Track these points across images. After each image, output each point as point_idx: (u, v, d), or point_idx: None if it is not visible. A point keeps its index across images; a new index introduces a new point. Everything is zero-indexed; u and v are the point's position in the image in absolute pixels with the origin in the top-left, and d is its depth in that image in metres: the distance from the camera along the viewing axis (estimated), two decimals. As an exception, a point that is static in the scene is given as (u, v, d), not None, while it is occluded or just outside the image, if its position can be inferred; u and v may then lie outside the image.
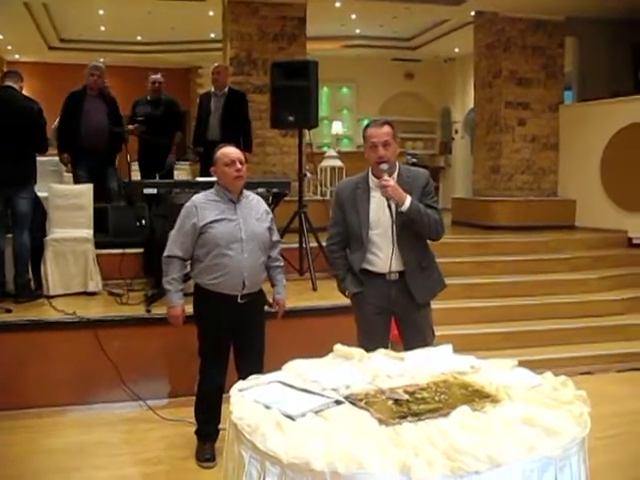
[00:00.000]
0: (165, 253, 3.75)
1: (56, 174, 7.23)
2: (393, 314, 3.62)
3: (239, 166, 3.70)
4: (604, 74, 9.41)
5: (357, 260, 3.55)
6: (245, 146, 6.97)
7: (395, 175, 3.45)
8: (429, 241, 3.63)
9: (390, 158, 3.41)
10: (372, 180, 3.51)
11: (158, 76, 7.52)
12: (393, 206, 3.35)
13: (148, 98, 7.48)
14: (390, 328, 3.67)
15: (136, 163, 7.94)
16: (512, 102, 9.11)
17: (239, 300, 3.71)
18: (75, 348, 4.75)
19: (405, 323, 3.62)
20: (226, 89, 7.28)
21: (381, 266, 3.48)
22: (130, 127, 7.24)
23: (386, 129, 3.43)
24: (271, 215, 3.94)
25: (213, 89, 7.28)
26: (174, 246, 3.73)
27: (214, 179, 3.84)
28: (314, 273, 5.95)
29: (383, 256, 3.46)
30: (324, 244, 4.20)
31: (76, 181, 6.79)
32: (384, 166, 3.38)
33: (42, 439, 4.18)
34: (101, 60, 9.94)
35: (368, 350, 2.95)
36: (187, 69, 14.55)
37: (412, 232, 3.45)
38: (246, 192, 3.86)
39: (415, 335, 3.51)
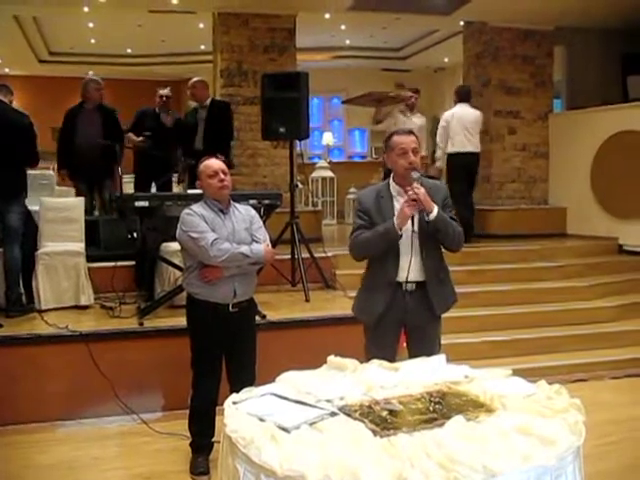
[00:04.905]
0: (211, 243, 3.59)
1: (47, 187, 7.22)
2: (405, 325, 3.57)
3: (222, 176, 3.73)
4: (593, 83, 9.47)
5: (392, 269, 3.44)
6: (224, 153, 7.05)
7: (416, 183, 3.39)
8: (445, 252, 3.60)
9: (418, 165, 3.42)
10: (394, 188, 3.49)
11: (166, 90, 7.58)
12: (417, 215, 3.34)
13: (156, 110, 7.54)
14: (400, 338, 3.65)
15: (130, 175, 7.97)
16: (502, 111, 9.15)
17: (230, 309, 3.73)
18: (67, 362, 4.72)
19: (417, 334, 3.56)
20: (208, 101, 7.42)
21: (399, 275, 3.44)
22: (136, 139, 7.30)
23: (412, 137, 3.45)
24: (260, 223, 3.94)
25: (197, 104, 7.43)
26: (210, 234, 3.63)
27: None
28: (307, 284, 5.94)
29: (402, 264, 3.42)
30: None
31: (78, 195, 6.86)
32: (415, 174, 3.35)
33: (34, 455, 4.14)
34: (91, 73, 9.95)
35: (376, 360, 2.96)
36: (177, 81, 14.55)
37: (433, 242, 3.44)
38: (234, 203, 3.89)
39: (424, 347, 3.44)
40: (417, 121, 8.56)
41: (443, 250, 3.57)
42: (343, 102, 11.51)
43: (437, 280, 3.51)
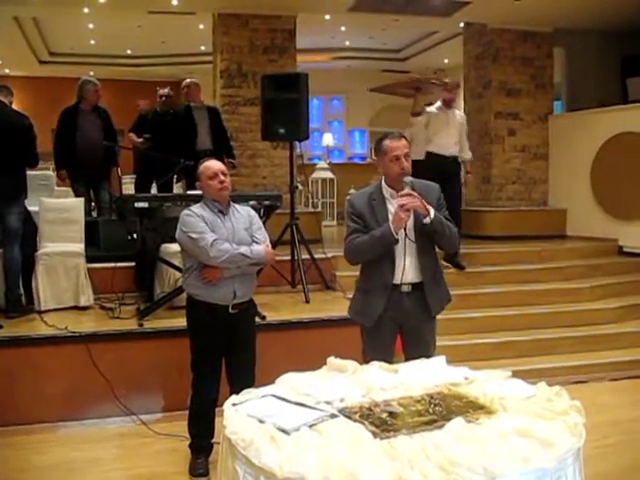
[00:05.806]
0: (210, 244, 3.59)
1: (47, 188, 7.22)
2: (401, 326, 3.56)
3: (222, 177, 3.74)
4: (593, 84, 9.49)
5: (388, 271, 3.43)
6: (229, 155, 7.35)
7: (408, 188, 3.37)
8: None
9: (410, 170, 3.39)
10: (386, 190, 3.47)
11: (166, 90, 7.61)
12: (411, 218, 3.32)
13: (158, 110, 7.56)
14: (396, 340, 3.64)
15: (130, 175, 7.96)
16: (502, 112, 9.15)
17: (230, 310, 3.72)
18: (67, 363, 4.72)
19: (413, 335, 3.55)
20: (205, 104, 7.53)
21: (396, 277, 3.43)
22: (136, 140, 7.30)
23: (404, 141, 3.42)
24: (260, 224, 3.95)
25: (191, 103, 7.42)
26: (209, 234, 3.63)
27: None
28: (306, 285, 5.94)
29: (398, 266, 3.41)
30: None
31: (76, 195, 6.84)
32: (408, 179, 3.33)
33: (33, 456, 4.14)
34: (91, 73, 9.97)
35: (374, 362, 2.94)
36: (177, 82, 14.57)
37: (429, 244, 3.44)
38: (234, 204, 3.89)
39: (421, 347, 3.45)
40: (454, 118, 7.14)
41: (437, 250, 3.58)
42: (371, 90, 11.21)
43: (433, 281, 3.52)
